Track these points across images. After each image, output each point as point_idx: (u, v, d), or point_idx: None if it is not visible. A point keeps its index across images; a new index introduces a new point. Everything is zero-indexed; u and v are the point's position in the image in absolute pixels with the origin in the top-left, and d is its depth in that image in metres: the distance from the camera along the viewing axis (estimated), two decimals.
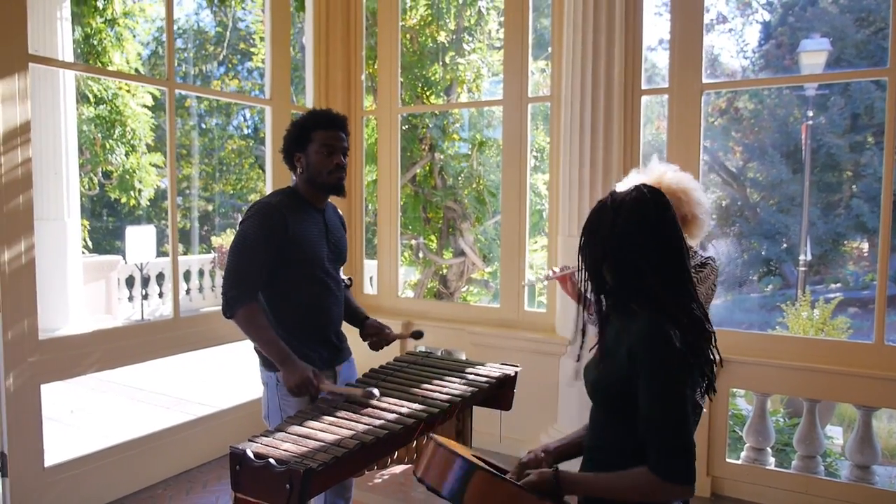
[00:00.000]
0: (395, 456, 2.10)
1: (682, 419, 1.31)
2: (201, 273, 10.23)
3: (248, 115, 18.27)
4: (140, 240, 8.57)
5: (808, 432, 3.47)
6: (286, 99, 4.35)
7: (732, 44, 16.77)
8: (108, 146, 7.62)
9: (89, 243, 8.58)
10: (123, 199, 8.40)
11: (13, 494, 3.02)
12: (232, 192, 17.44)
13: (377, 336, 2.48)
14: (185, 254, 16.50)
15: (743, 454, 3.68)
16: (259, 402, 4.24)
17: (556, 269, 2.62)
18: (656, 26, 12.67)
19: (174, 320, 3.75)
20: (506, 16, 4.25)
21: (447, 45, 7.41)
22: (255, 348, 2.32)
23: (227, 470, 4.06)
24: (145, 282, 9.09)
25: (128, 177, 7.92)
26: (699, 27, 3.61)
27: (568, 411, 3.73)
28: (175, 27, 16.59)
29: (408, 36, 7.39)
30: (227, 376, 6.30)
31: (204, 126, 16.49)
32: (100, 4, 7.04)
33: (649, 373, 1.31)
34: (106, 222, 16.29)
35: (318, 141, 2.25)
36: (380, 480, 3.75)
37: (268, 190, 4.38)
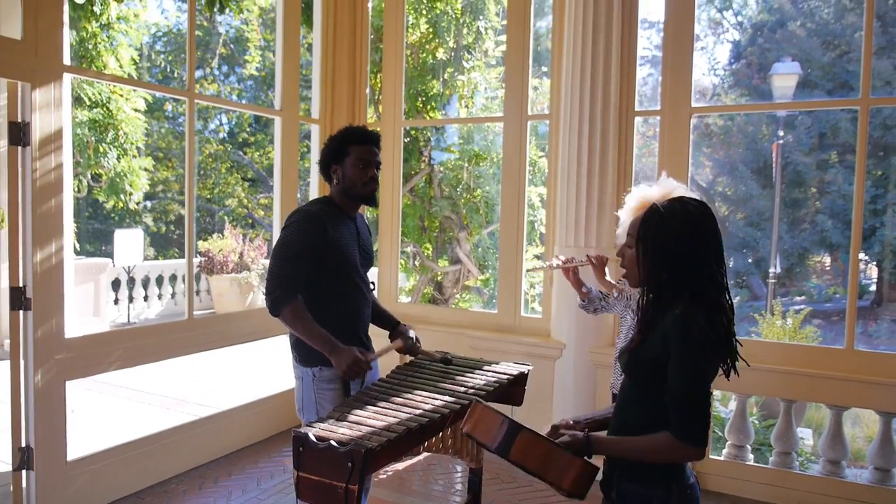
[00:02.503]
0: (425, 444, 2.30)
1: (701, 391, 1.55)
2: (184, 278, 10.29)
3: (224, 120, 18.26)
4: (128, 243, 8.61)
5: (785, 430, 3.76)
6: (295, 110, 4.53)
7: (704, 61, 17.35)
8: (100, 149, 7.68)
9: (77, 245, 8.59)
10: (112, 202, 8.46)
11: (38, 487, 3.14)
12: (209, 196, 17.34)
13: (407, 344, 2.68)
14: (156, 258, 16.42)
15: (724, 451, 3.95)
16: (263, 402, 4.43)
17: (561, 258, 2.97)
18: None
19: (189, 321, 3.90)
20: (507, 36, 4.48)
21: (447, 62, 7.66)
22: (293, 344, 2.50)
23: (236, 466, 4.23)
24: (131, 285, 9.12)
25: (118, 180, 7.99)
26: (689, 54, 3.88)
27: (563, 413, 3.95)
28: (158, 31, 16.63)
29: (408, 52, 7.62)
30: (224, 377, 6.41)
31: (182, 130, 16.49)
32: (96, 9, 7.12)
33: (678, 350, 1.56)
34: (89, 224, 16.16)
35: (355, 155, 2.46)
36: (384, 476, 3.93)
37: (274, 195, 4.55)
